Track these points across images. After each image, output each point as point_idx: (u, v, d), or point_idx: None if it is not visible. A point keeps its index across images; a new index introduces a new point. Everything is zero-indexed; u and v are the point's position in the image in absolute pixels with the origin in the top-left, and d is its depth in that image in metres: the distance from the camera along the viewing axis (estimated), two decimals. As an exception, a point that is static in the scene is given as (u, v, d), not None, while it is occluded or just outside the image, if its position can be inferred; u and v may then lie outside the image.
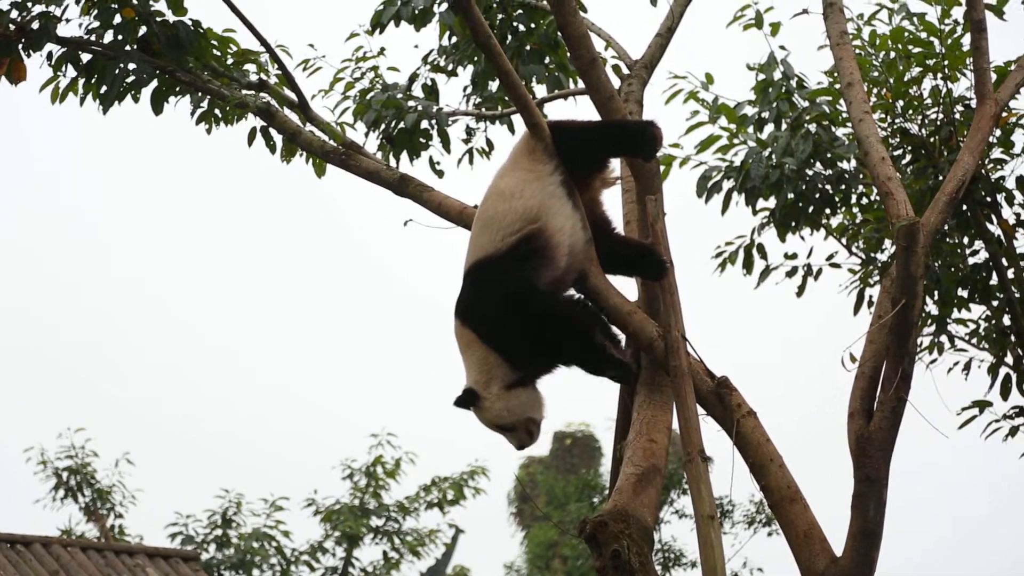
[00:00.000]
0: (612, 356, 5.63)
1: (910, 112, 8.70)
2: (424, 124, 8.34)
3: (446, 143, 8.41)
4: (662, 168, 8.21)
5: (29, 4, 7.78)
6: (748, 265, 9.35)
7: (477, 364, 5.66)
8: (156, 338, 50.76)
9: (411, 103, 8.38)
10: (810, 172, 8.81)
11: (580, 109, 8.48)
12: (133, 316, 50.75)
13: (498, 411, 5.64)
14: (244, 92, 7.77)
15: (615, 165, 6.10)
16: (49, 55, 7.87)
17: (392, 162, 8.23)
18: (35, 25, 7.74)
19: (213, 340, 51.66)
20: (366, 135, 8.28)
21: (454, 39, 8.67)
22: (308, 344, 51.22)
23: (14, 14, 7.78)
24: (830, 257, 9.31)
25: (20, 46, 7.78)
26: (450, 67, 8.74)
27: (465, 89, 8.79)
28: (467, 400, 5.66)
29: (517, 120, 8.50)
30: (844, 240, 9.23)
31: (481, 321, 5.64)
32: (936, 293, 8.66)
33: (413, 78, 8.78)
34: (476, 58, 8.58)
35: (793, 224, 8.99)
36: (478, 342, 5.65)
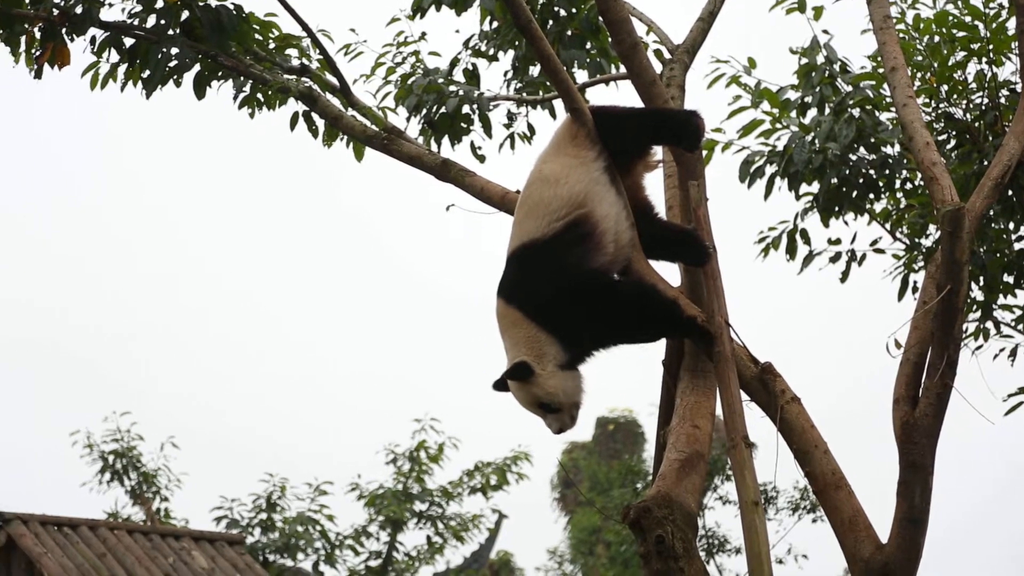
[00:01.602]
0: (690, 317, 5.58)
1: (955, 96, 8.63)
2: (465, 109, 8.33)
3: (487, 128, 8.40)
4: (704, 153, 8.18)
5: (73, -11, 7.83)
6: (791, 250, 9.31)
7: (525, 342, 5.53)
8: (190, 326, 51.15)
9: (452, 88, 8.38)
10: (854, 157, 8.75)
11: (622, 94, 8.46)
12: (169, 307, 51.04)
13: (552, 388, 5.50)
14: (286, 77, 7.79)
15: (657, 150, 6.08)
16: (92, 40, 7.91)
17: (433, 147, 8.24)
18: (78, 10, 7.78)
19: (251, 328, 51.92)
20: (407, 120, 8.29)
21: (495, 24, 8.66)
22: (352, 332, 51.43)
23: (58, -1, 7.84)
24: (874, 243, 9.26)
25: (64, 31, 7.83)
26: (491, 52, 8.73)
27: (506, 74, 8.79)
28: (521, 372, 5.49)
29: (558, 105, 8.49)
30: (888, 225, 9.17)
31: (531, 300, 5.54)
32: (981, 279, 8.60)
33: (454, 63, 8.79)
34: (517, 43, 8.58)
35: (837, 209, 8.94)
36: (525, 320, 5.53)
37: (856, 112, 8.74)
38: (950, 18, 8.58)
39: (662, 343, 5.84)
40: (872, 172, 8.76)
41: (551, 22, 8.49)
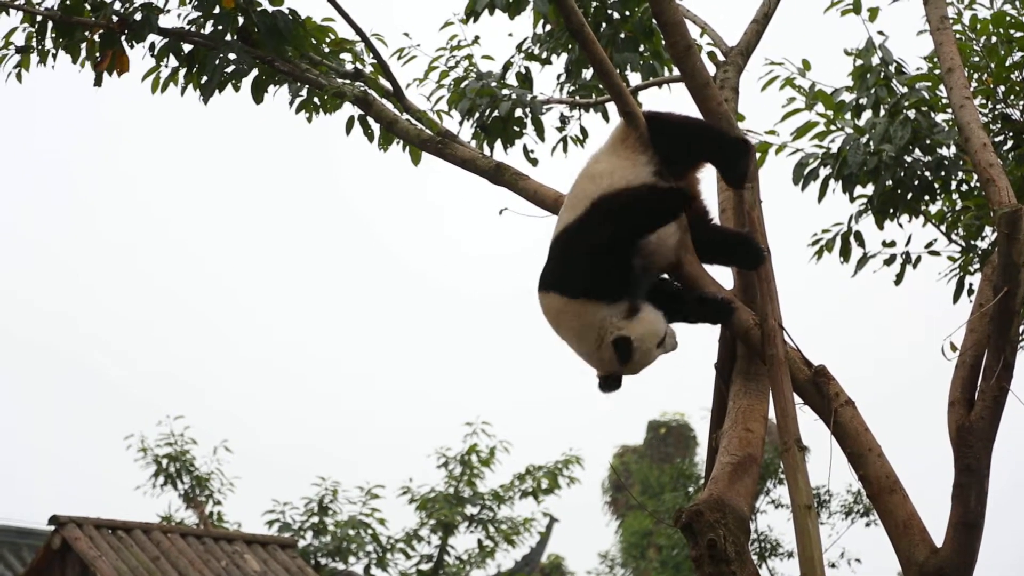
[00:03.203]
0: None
1: (1012, 97, 8.57)
2: (518, 112, 8.33)
3: (540, 131, 8.40)
4: (758, 155, 8.15)
5: (131, -4, 7.90)
6: (845, 253, 9.26)
7: (588, 321, 5.49)
8: (233, 331, 51.43)
9: (505, 91, 8.38)
10: (909, 159, 8.70)
11: (675, 97, 8.44)
12: (201, 329, 51.30)
13: (646, 332, 5.48)
14: (341, 81, 7.82)
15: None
16: (151, 46, 7.97)
17: (486, 150, 8.24)
18: (137, 16, 7.84)
19: (298, 334, 52.13)
20: (460, 124, 8.30)
21: (548, 27, 8.66)
22: (401, 337, 51.55)
23: (117, 6, 7.89)
24: (929, 245, 9.20)
25: (123, 38, 7.89)
26: (544, 55, 8.73)
27: (559, 77, 8.78)
28: (626, 348, 5.46)
29: (611, 108, 8.47)
30: (943, 227, 9.10)
31: (566, 277, 5.54)
32: (1038, 281, 8.51)
33: (507, 66, 8.79)
34: (570, 46, 8.57)
35: (891, 211, 8.88)
36: (572, 303, 5.52)
37: (911, 114, 8.69)
38: (1008, 18, 8.52)
39: (715, 347, 5.82)
40: (927, 174, 8.70)
41: (604, 25, 8.48)
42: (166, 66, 8.00)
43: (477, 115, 8.33)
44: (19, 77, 8.19)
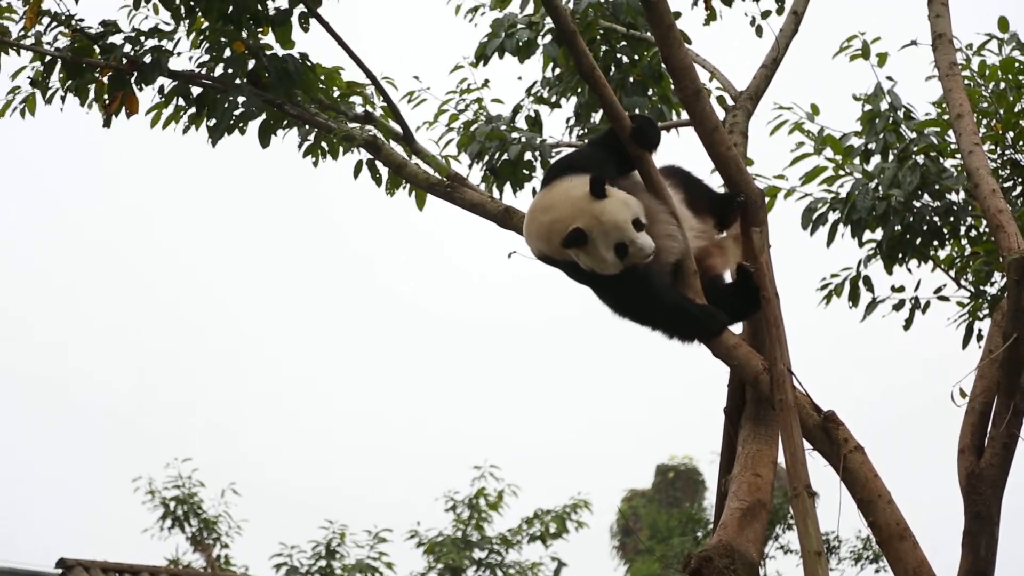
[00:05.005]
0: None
1: (1021, 143, 8.57)
2: (528, 156, 8.35)
3: (549, 175, 8.40)
4: (767, 200, 8.17)
5: (142, 39, 7.94)
6: (854, 298, 9.24)
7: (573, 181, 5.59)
8: (239, 370, 51.39)
9: (515, 135, 8.40)
10: (918, 204, 8.69)
11: (684, 141, 8.45)
12: (213, 365, 51.17)
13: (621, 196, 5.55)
14: (350, 125, 7.85)
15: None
16: (161, 88, 8.01)
17: (496, 193, 8.25)
18: (147, 59, 7.89)
19: (306, 372, 52.05)
20: (470, 167, 8.32)
21: (558, 71, 8.69)
22: (409, 377, 51.48)
23: (127, 48, 7.94)
24: (938, 290, 9.18)
25: (132, 80, 7.93)
26: (553, 99, 8.75)
27: (568, 121, 8.79)
28: (599, 186, 5.51)
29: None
30: (952, 273, 9.09)
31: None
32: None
33: (517, 110, 8.81)
34: (580, 89, 8.59)
35: (900, 256, 8.87)
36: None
37: (920, 159, 8.68)
38: (1016, 64, 8.54)
39: (724, 392, 5.82)
40: (936, 219, 8.69)
41: (613, 69, 8.50)
42: (163, 97, 8.05)
43: (486, 158, 8.35)
44: (22, 113, 8.23)
